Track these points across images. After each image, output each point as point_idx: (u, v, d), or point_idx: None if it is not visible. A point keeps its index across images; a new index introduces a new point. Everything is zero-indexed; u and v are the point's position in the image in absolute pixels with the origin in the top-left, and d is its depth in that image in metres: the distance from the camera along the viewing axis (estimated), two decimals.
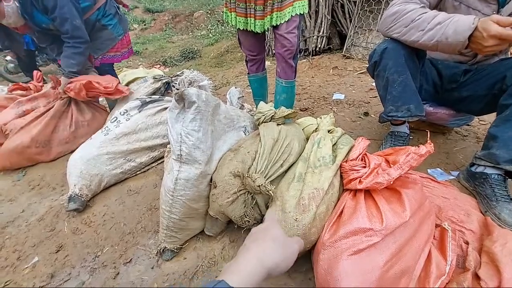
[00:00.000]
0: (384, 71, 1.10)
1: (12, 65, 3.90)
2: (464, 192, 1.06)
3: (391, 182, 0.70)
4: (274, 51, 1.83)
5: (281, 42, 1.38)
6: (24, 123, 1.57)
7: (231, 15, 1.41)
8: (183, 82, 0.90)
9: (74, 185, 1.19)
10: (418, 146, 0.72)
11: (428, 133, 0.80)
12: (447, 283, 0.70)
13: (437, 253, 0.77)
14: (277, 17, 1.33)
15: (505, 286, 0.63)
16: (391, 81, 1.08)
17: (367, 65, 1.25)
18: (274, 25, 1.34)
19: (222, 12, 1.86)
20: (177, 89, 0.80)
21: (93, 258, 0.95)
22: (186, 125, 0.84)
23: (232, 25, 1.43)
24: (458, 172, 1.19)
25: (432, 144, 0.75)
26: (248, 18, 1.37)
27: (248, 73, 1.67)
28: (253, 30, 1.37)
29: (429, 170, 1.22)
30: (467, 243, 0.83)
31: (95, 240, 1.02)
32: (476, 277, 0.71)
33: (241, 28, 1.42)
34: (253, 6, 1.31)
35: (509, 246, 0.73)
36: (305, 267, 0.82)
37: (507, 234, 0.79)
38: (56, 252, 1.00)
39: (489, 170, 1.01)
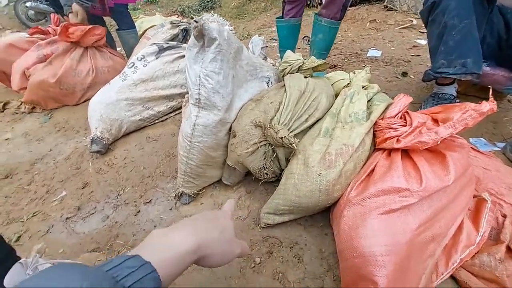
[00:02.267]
0: (442, 14, 0.90)
1: (32, 12, 3.81)
2: (508, 165, 0.95)
3: (438, 142, 0.61)
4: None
5: None
6: (46, 64, 1.57)
7: None
8: (203, 19, 0.78)
9: (96, 128, 1.21)
10: (480, 102, 0.60)
11: (491, 89, 0.66)
12: (476, 253, 0.66)
13: (469, 223, 0.71)
14: None
15: None
16: (449, 27, 0.89)
17: (414, 18, 1.04)
18: None
19: None
20: (196, 22, 0.70)
21: (115, 196, 1.00)
22: (206, 66, 0.76)
23: None
24: (505, 143, 1.06)
25: (495, 102, 0.63)
26: None
27: (282, 17, 1.47)
28: None
29: (471, 139, 1.09)
30: (504, 216, 0.76)
31: (117, 180, 1.06)
32: (509, 250, 0.66)
33: None
34: None
35: None
36: (322, 222, 0.80)
37: None
38: (82, 188, 1.06)
39: None
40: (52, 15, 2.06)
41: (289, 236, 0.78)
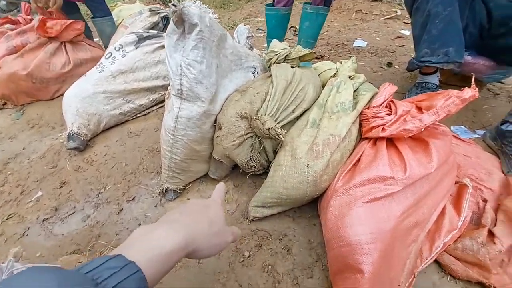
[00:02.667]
0: (426, 2, 0.90)
1: (4, 2, 3.52)
2: (488, 152, 0.98)
3: (422, 130, 0.61)
4: None
5: None
6: (17, 56, 1.45)
7: None
8: (182, 3, 0.74)
9: (72, 124, 1.13)
10: (462, 89, 0.60)
11: (473, 76, 0.67)
12: (459, 238, 0.68)
13: (451, 208, 0.73)
14: None
15: None
16: (433, 15, 0.90)
17: (398, 8, 1.04)
18: None
19: None
20: (175, 6, 0.66)
21: (96, 194, 0.95)
22: (187, 54, 0.72)
23: None
24: (485, 131, 1.09)
25: (477, 89, 0.63)
26: None
27: (271, 5, 1.43)
28: None
29: (452, 127, 1.12)
30: (485, 201, 0.79)
31: (98, 178, 1.01)
32: (491, 234, 0.68)
33: None
34: None
35: None
36: (310, 213, 0.80)
37: None
38: (60, 188, 1.00)
39: None
40: (22, 4, 1.90)
41: (278, 228, 0.78)
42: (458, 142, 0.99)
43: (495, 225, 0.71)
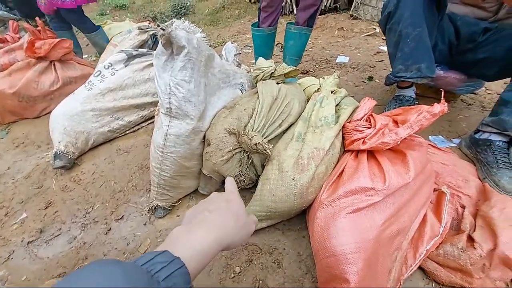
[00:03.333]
0: (398, 23, 0.98)
1: None
2: (464, 160, 1.04)
3: (399, 142, 0.65)
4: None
5: None
6: (4, 75, 1.44)
7: None
8: (171, 25, 0.77)
9: (59, 142, 1.12)
10: (432, 105, 0.65)
11: (443, 92, 0.73)
12: (440, 244, 0.71)
13: (432, 216, 0.76)
14: None
15: (500, 248, 0.63)
16: (404, 35, 0.98)
17: (377, 26, 1.13)
18: None
19: None
20: (163, 30, 0.69)
21: (83, 215, 0.93)
22: (175, 75, 0.75)
23: None
24: (460, 139, 1.16)
25: (446, 104, 0.69)
26: None
27: (257, 25, 1.49)
28: None
29: (430, 137, 1.18)
30: (463, 207, 0.83)
31: (85, 197, 0.99)
32: (470, 239, 0.71)
33: None
34: None
35: (507, 211, 0.72)
36: (299, 225, 0.81)
37: (505, 200, 0.78)
38: (45, 208, 0.98)
39: (494, 137, 0.98)
40: (10, 22, 1.92)
41: (268, 242, 0.78)
42: (435, 151, 1.05)
43: (474, 230, 0.74)
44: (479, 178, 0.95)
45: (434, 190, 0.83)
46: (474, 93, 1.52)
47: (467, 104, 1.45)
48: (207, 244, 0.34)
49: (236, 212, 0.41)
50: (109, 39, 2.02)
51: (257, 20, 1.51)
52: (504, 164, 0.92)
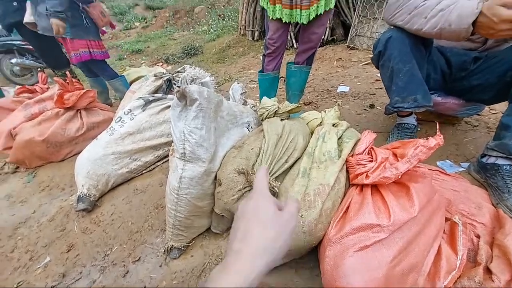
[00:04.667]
0: (389, 61, 1.06)
1: (18, 68, 3.95)
2: (475, 184, 1.03)
3: (399, 177, 0.68)
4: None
5: (309, 36, 1.42)
6: (35, 124, 1.60)
7: (275, 7, 1.35)
8: (185, 79, 0.89)
9: (82, 185, 1.21)
10: (427, 139, 0.69)
11: (437, 124, 0.77)
12: (458, 278, 0.69)
13: (447, 248, 0.75)
14: (320, 6, 1.31)
15: None
16: (396, 71, 1.05)
17: (372, 56, 1.22)
18: (318, 14, 1.32)
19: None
20: (179, 87, 0.79)
21: (102, 257, 0.97)
22: (189, 123, 0.83)
23: (276, 18, 1.37)
24: (469, 163, 1.16)
25: (441, 136, 0.72)
26: (294, 10, 1.33)
27: (262, 71, 1.62)
28: (299, 21, 1.35)
29: (438, 163, 1.19)
30: (478, 236, 0.81)
31: (104, 239, 1.04)
32: (488, 271, 0.69)
33: (285, 21, 1.37)
34: None
35: None
36: (311, 263, 0.81)
37: None
38: (67, 252, 1.03)
39: (501, 161, 0.98)
40: (40, 74, 2.17)
41: (281, 281, 0.79)
42: (445, 178, 1.04)
43: (491, 261, 0.72)
44: (492, 204, 0.93)
45: (447, 219, 0.82)
46: (479, 114, 1.53)
47: (472, 126, 1.46)
48: (249, 280, 0.31)
49: (264, 222, 0.36)
50: (129, 83, 2.24)
51: (261, 67, 1.64)
52: None
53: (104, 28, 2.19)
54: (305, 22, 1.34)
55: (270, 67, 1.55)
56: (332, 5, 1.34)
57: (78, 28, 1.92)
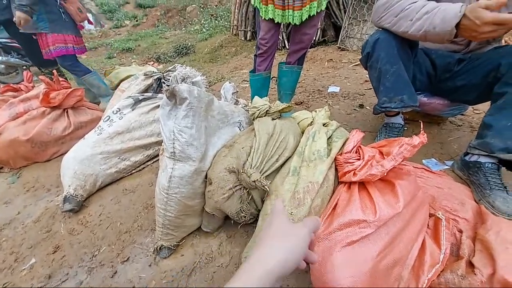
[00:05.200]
0: (376, 62, 1.09)
1: (3, 66, 3.82)
2: (458, 182, 1.07)
3: (385, 174, 0.70)
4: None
5: (301, 37, 1.43)
6: (19, 123, 1.55)
7: (267, 8, 1.35)
8: (176, 78, 0.88)
9: (69, 186, 1.18)
10: (412, 137, 0.71)
11: (422, 123, 0.80)
12: (441, 271, 0.71)
13: (431, 242, 0.78)
14: (313, 7, 1.33)
15: (499, 273, 0.64)
16: (383, 72, 1.08)
17: (361, 57, 1.25)
18: (310, 15, 1.34)
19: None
20: (168, 86, 0.79)
21: (90, 258, 0.95)
22: (179, 122, 0.83)
23: (269, 18, 1.38)
24: (453, 161, 1.20)
25: (425, 134, 0.75)
26: (286, 10, 1.34)
27: (253, 72, 1.62)
28: (291, 22, 1.36)
29: (423, 161, 1.22)
30: (461, 231, 0.84)
31: (92, 240, 1.02)
32: (470, 264, 0.72)
33: (278, 21, 1.38)
34: None
35: (502, 234, 0.74)
36: None
37: (500, 222, 0.80)
38: (53, 253, 1.00)
39: (483, 159, 1.02)
40: (25, 73, 2.11)
41: None
42: (429, 175, 1.08)
43: (474, 255, 0.75)
44: (475, 200, 0.97)
45: (430, 215, 0.85)
46: (463, 114, 1.59)
47: (457, 126, 1.51)
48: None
49: (273, 233, 0.40)
50: (118, 82, 2.20)
51: (253, 67, 1.64)
52: (496, 185, 0.95)
53: (81, 24, 2.18)
54: (297, 23, 1.36)
55: (262, 67, 1.55)
56: (323, 7, 1.36)
57: (56, 23, 1.91)
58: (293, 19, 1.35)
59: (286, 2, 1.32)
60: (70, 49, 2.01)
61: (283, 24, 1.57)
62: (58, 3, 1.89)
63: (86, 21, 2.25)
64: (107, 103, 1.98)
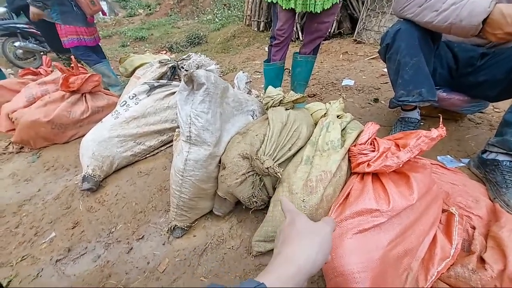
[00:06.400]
0: (396, 53, 1.06)
1: (21, 51, 3.93)
2: (473, 179, 1.05)
3: (401, 165, 0.70)
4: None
5: (318, 26, 1.41)
6: (40, 105, 1.61)
7: None
8: (191, 66, 0.89)
9: (87, 166, 1.23)
10: (430, 130, 0.70)
11: (441, 117, 0.78)
12: (451, 265, 0.72)
13: (442, 237, 0.78)
14: None
15: (510, 269, 0.63)
16: (403, 64, 1.05)
17: (379, 48, 1.21)
18: (333, 3, 1.33)
19: None
20: (186, 71, 0.80)
21: (107, 234, 1.00)
22: (195, 107, 0.85)
23: (290, 7, 1.35)
24: (469, 159, 1.17)
25: (444, 128, 0.74)
26: None
27: (268, 61, 1.62)
28: (313, 10, 1.34)
29: (438, 157, 1.20)
30: (473, 228, 0.83)
31: (109, 218, 1.07)
32: (481, 260, 0.72)
33: (298, 11, 1.36)
34: None
35: None
36: None
37: None
38: (73, 228, 1.06)
39: (501, 157, 0.99)
40: (44, 57, 2.17)
41: None
42: (444, 172, 1.06)
43: (485, 251, 0.75)
44: (490, 198, 0.95)
45: (444, 211, 0.84)
46: (482, 112, 1.54)
47: (475, 123, 1.47)
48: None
49: (298, 231, 0.40)
50: (132, 69, 2.24)
51: (267, 57, 1.63)
52: None
53: (92, 17, 2.22)
54: (318, 11, 1.33)
55: (277, 57, 1.54)
56: None
57: (67, 15, 1.97)
58: (314, 8, 1.33)
59: None
60: (83, 41, 2.09)
61: (298, 15, 1.55)
62: None
63: (100, 13, 2.28)
64: (116, 93, 2.06)
